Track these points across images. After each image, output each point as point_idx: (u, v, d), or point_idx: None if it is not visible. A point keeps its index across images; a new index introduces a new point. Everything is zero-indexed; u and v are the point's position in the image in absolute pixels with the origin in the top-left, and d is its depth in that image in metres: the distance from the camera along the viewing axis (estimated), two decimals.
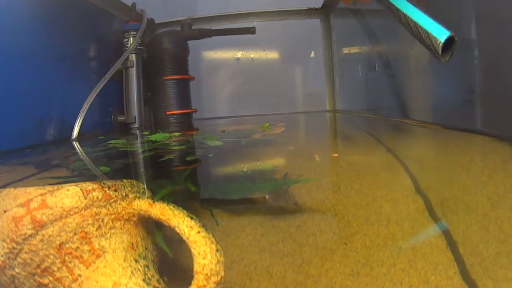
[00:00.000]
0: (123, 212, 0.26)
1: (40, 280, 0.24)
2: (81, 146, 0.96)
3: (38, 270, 0.24)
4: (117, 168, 0.63)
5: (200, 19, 1.71)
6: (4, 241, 0.24)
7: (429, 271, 0.26)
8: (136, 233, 0.27)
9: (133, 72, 1.36)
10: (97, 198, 0.25)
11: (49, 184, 0.25)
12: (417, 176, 0.48)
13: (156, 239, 0.30)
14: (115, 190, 0.26)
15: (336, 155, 0.63)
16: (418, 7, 0.56)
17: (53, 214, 0.24)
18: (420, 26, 0.53)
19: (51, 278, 0.24)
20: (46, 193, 0.25)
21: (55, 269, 0.24)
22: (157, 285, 0.25)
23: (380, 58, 1.21)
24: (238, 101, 1.83)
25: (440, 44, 0.50)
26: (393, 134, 0.97)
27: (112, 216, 0.26)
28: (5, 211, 0.24)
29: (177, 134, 1.06)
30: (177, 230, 0.24)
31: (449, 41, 0.50)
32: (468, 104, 0.74)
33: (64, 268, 0.24)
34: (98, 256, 0.25)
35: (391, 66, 1.13)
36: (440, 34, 0.51)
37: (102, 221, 0.25)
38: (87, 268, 0.24)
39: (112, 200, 0.26)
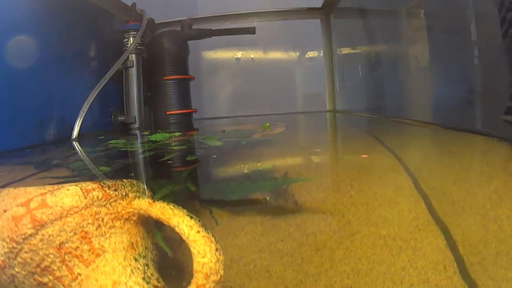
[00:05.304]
0: (123, 212, 0.26)
1: (40, 279, 0.24)
2: (81, 146, 0.96)
3: (38, 269, 0.24)
4: (117, 168, 0.63)
5: (200, 19, 1.71)
6: (4, 240, 0.24)
7: (429, 270, 0.26)
8: (136, 232, 0.27)
9: (133, 72, 1.36)
10: (97, 197, 0.25)
11: (49, 184, 0.25)
12: (417, 176, 0.48)
13: (156, 239, 0.30)
14: (115, 190, 0.26)
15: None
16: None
17: (53, 214, 0.24)
18: None
19: (50, 277, 0.24)
20: (46, 192, 0.25)
21: (55, 268, 0.24)
22: (156, 283, 0.25)
23: (368, 60, 1.21)
24: (238, 101, 1.83)
25: None
26: (393, 134, 0.97)
27: (112, 216, 0.26)
28: (5, 211, 0.24)
29: (177, 134, 1.06)
30: (177, 229, 0.24)
31: None
32: (468, 104, 0.74)
33: (64, 267, 0.24)
34: (98, 255, 0.25)
35: (378, 68, 1.13)
36: None
37: (102, 220, 0.25)
38: (87, 267, 0.24)
39: (112, 200, 0.26)
